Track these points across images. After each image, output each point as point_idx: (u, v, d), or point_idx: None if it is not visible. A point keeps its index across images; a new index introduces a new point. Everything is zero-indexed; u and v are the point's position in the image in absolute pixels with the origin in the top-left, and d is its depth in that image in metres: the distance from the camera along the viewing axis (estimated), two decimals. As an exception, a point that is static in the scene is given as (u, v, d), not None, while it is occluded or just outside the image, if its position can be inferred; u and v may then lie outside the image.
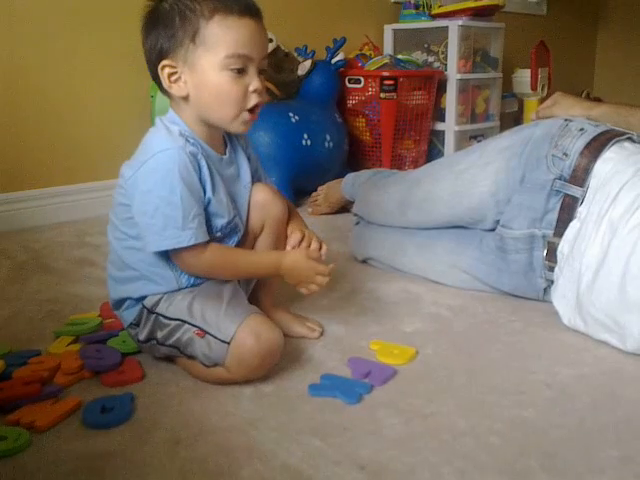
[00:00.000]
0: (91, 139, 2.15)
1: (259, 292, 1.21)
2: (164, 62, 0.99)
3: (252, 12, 1.00)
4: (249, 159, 1.15)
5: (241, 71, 0.99)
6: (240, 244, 1.12)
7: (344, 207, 2.05)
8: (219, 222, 1.06)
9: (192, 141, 1.02)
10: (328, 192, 2.08)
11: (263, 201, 1.15)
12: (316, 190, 2.15)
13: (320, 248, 1.12)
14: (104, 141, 2.16)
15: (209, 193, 1.02)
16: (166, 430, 0.89)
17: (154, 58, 1.01)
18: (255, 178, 1.16)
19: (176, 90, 1.01)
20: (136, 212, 1.00)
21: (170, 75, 1.00)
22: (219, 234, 1.06)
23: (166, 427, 0.89)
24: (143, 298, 1.05)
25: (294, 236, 1.14)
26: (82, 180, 2.13)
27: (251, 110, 1.03)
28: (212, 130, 1.05)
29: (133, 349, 1.10)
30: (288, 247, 1.13)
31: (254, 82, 1.00)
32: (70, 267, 1.62)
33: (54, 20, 2.02)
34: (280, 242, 1.18)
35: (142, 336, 1.05)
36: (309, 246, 1.12)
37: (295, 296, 1.28)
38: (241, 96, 1.00)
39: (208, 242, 1.01)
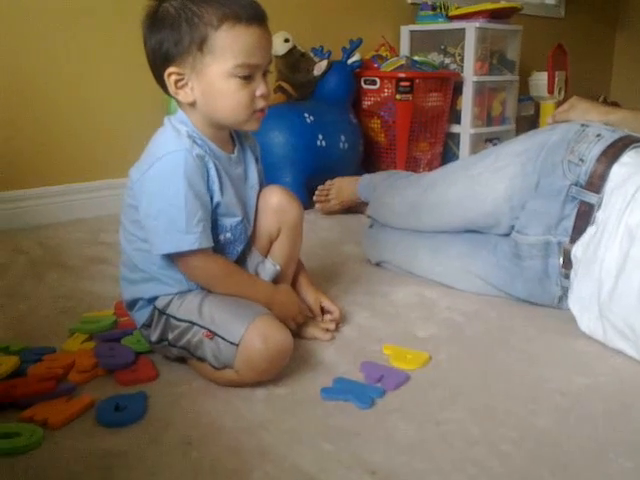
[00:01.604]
0: (106, 136, 2.16)
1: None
2: (171, 69, 0.99)
3: (259, 18, 1.00)
4: (257, 160, 1.16)
5: (248, 77, 1.00)
6: (249, 248, 1.13)
7: (354, 207, 2.04)
8: (229, 222, 1.06)
9: (200, 142, 1.02)
10: (340, 189, 2.06)
11: (279, 204, 1.15)
12: (325, 188, 2.12)
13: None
14: (119, 138, 2.17)
15: (217, 196, 1.03)
16: (178, 430, 0.89)
17: (159, 62, 1.01)
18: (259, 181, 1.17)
19: (183, 96, 1.01)
20: (142, 214, 1.01)
21: (177, 81, 1.00)
22: (229, 234, 1.07)
23: (178, 427, 0.90)
24: (155, 299, 1.05)
25: (334, 312, 1.22)
26: (98, 177, 2.15)
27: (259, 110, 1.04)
28: (220, 130, 1.06)
29: (147, 348, 1.10)
30: (328, 322, 1.21)
31: (260, 87, 1.01)
32: (85, 264, 1.63)
33: (62, 18, 2.03)
34: (296, 246, 1.19)
35: (154, 337, 1.06)
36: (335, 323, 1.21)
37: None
38: (249, 101, 1.01)
39: (213, 251, 1.03)
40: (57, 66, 2.04)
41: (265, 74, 1.03)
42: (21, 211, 1.98)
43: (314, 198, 2.10)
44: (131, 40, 2.11)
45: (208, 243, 1.00)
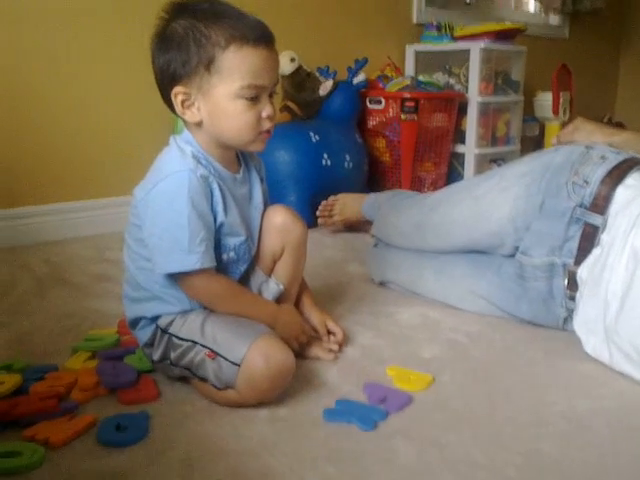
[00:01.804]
0: (113, 154, 2.17)
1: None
2: (178, 89, 1.00)
3: (266, 39, 1.00)
4: (262, 180, 1.17)
5: (254, 99, 1.00)
6: (252, 267, 1.13)
7: (357, 224, 2.04)
8: (232, 241, 1.06)
9: (204, 162, 1.02)
10: (345, 205, 2.06)
11: (283, 224, 1.16)
12: (329, 203, 2.11)
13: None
14: (125, 156, 2.18)
15: (221, 216, 1.03)
16: (180, 451, 0.88)
17: (166, 81, 1.01)
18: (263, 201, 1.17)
19: (189, 116, 1.02)
20: (146, 233, 1.01)
21: (184, 101, 1.01)
22: (232, 253, 1.07)
23: (180, 448, 0.89)
24: (157, 318, 1.05)
25: (338, 333, 1.22)
26: (104, 195, 2.15)
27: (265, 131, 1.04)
28: (226, 150, 1.06)
29: (149, 367, 1.10)
30: (331, 342, 1.21)
31: (267, 108, 1.02)
32: (90, 282, 1.63)
33: (68, 31, 2.05)
34: (299, 265, 1.19)
35: (156, 356, 1.05)
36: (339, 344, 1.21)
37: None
38: (255, 122, 1.01)
39: (216, 270, 1.02)
40: (63, 84, 2.05)
41: (271, 95, 1.03)
42: (27, 228, 1.99)
43: (317, 213, 2.09)
44: (140, 59, 2.14)
45: (211, 263, 1.00)
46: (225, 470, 0.85)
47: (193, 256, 0.97)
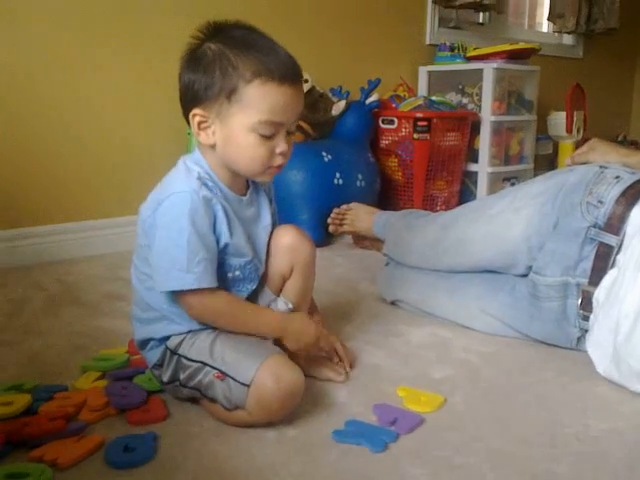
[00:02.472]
0: (125, 172, 2.18)
1: None
2: (196, 111, 1.00)
3: (293, 78, 0.99)
4: (270, 202, 1.16)
5: (269, 136, 1.00)
6: (261, 286, 1.13)
7: (366, 238, 2.01)
8: (237, 261, 1.06)
9: (211, 184, 1.02)
10: (357, 217, 2.03)
11: (292, 243, 1.15)
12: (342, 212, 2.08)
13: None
14: (139, 174, 2.18)
15: (226, 237, 1.03)
16: (187, 473, 0.88)
17: (188, 100, 1.02)
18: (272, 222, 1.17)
19: (204, 138, 1.02)
20: (152, 253, 1.01)
21: (200, 123, 1.01)
22: (238, 272, 1.07)
23: (187, 469, 0.88)
24: (166, 339, 1.05)
25: (343, 359, 1.19)
26: (117, 214, 2.16)
27: (276, 166, 1.04)
28: (235, 174, 1.06)
29: (159, 387, 1.10)
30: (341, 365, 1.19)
31: (281, 145, 1.01)
32: (101, 301, 1.64)
33: (79, 48, 2.07)
34: (308, 284, 1.19)
35: (165, 377, 1.05)
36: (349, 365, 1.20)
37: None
38: (267, 157, 1.01)
39: (217, 289, 1.01)
40: (74, 101, 2.07)
41: (290, 132, 1.03)
42: (40, 247, 2.00)
43: (328, 220, 2.06)
44: (160, 79, 2.17)
45: (209, 283, 0.99)
46: (233, 492, 0.84)
47: (191, 275, 0.97)
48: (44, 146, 2.02)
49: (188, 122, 1.04)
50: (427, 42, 3.10)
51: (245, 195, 1.10)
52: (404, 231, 1.64)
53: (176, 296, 1.01)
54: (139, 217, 1.05)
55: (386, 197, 2.62)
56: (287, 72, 0.98)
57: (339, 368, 1.18)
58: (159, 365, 1.06)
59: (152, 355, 1.07)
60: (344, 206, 2.04)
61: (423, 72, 3.02)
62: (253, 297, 1.12)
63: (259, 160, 1.01)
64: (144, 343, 1.08)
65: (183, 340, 1.03)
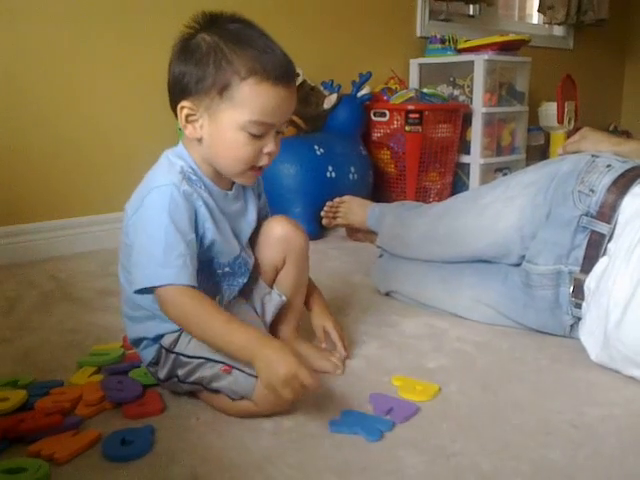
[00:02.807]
0: (116, 170, 2.17)
1: (279, 323, 1.20)
2: (185, 103, 0.97)
3: (288, 79, 0.97)
4: (259, 196, 1.15)
5: (258, 136, 0.98)
6: (255, 279, 1.12)
7: (359, 231, 2.02)
8: (225, 258, 1.05)
9: (194, 178, 1.00)
10: (350, 210, 2.03)
11: (283, 234, 1.14)
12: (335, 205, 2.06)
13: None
14: (129, 171, 2.16)
15: (212, 234, 1.01)
16: (184, 465, 0.88)
17: (176, 91, 0.99)
18: (261, 216, 1.16)
19: (190, 132, 0.99)
20: (132, 251, 0.98)
21: (188, 116, 0.98)
22: (227, 269, 1.06)
23: (184, 462, 0.88)
24: (160, 337, 1.04)
25: (332, 333, 1.19)
26: (108, 210, 2.15)
27: (258, 167, 1.02)
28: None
29: (154, 381, 1.09)
30: (336, 357, 1.17)
31: (269, 145, 0.99)
32: (95, 297, 1.63)
33: (70, 47, 2.07)
34: (302, 275, 1.18)
35: (162, 374, 1.04)
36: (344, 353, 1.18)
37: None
38: (252, 157, 0.99)
39: (196, 290, 0.94)
40: (69, 98, 2.07)
41: (280, 132, 1.01)
42: (32, 244, 2.00)
43: (322, 213, 2.06)
44: (149, 78, 2.16)
45: (188, 280, 0.93)
46: (230, 483, 0.84)
47: (167, 270, 0.93)
48: (33, 144, 2.01)
49: (175, 113, 1.01)
50: (418, 35, 3.10)
51: (231, 190, 1.07)
52: (397, 223, 1.64)
53: (155, 294, 0.96)
54: (125, 216, 1.03)
55: (379, 190, 2.63)
56: (283, 72, 0.96)
57: (337, 360, 1.17)
58: (154, 363, 1.05)
59: (147, 354, 1.06)
60: (337, 199, 2.04)
61: (414, 65, 3.02)
62: (247, 291, 1.12)
63: (244, 159, 0.99)
64: (137, 342, 1.07)
65: (179, 338, 1.02)
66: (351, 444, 0.92)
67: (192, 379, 1.01)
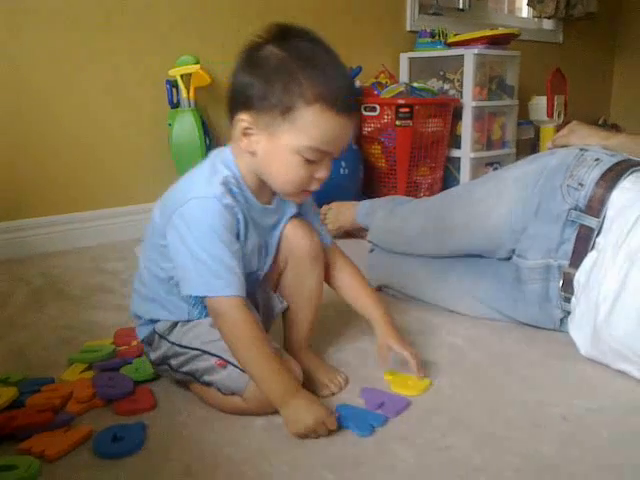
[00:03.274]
0: (107, 166, 2.17)
1: (288, 331, 1.16)
2: (244, 116, 0.95)
3: (351, 109, 0.94)
4: (299, 209, 1.11)
5: (313, 162, 0.95)
6: (264, 279, 1.11)
7: (351, 231, 2.03)
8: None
9: (236, 190, 0.98)
10: (339, 213, 2.05)
11: (288, 234, 1.09)
12: (322, 213, 2.06)
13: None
14: (119, 168, 2.18)
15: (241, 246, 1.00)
16: (177, 461, 0.88)
17: (237, 102, 0.96)
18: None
19: (245, 145, 0.97)
20: (173, 256, 0.97)
21: (245, 129, 0.95)
22: None
23: (177, 458, 0.89)
24: (155, 321, 1.05)
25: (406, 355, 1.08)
26: (99, 206, 2.15)
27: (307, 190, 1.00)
28: (263, 182, 1.01)
29: (146, 377, 1.10)
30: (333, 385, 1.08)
31: (322, 172, 0.97)
32: (86, 293, 1.63)
33: (73, 45, 2.06)
34: (305, 283, 1.12)
35: (153, 357, 1.06)
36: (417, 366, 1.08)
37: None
38: (304, 181, 0.97)
39: (249, 309, 0.95)
40: (67, 93, 2.06)
41: (333, 157, 0.98)
42: (23, 241, 1.99)
43: None
44: (144, 75, 2.16)
45: (237, 291, 0.94)
46: (223, 479, 0.84)
47: (219, 281, 0.93)
48: (24, 141, 2.00)
49: (230, 118, 0.98)
50: (408, 29, 3.09)
51: (271, 204, 1.05)
52: (388, 218, 1.64)
53: (206, 303, 0.97)
54: (153, 214, 1.02)
55: (370, 184, 2.63)
56: (348, 102, 0.93)
57: (341, 380, 1.10)
58: (148, 343, 1.07)
59: (140, 331, 1.08)
60: (324, 207, 2.05)
61: (404, 59, 3.02)
62: (251, 292, 1.11)
63: (295, 182, 0.97)
64: (137, 316, 1.09)
65: (174, 327, 1.04)
66: (344, 439, 0.93)
67: (185, 369, 1.02)
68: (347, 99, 0.94)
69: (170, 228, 0.97)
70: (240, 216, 0.98)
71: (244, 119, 0.95)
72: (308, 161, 0.95)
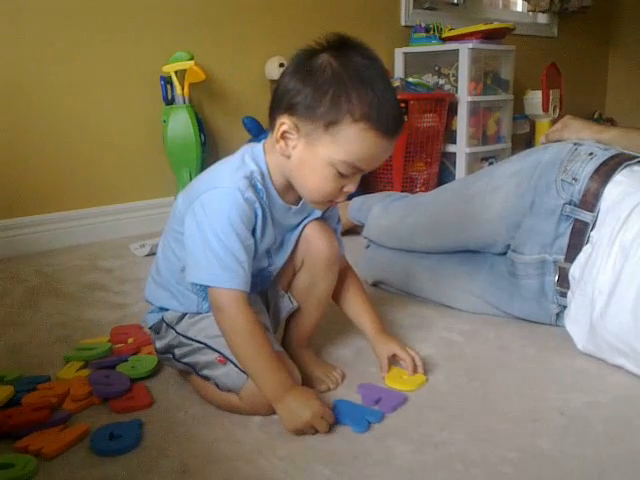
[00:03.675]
0: (103, 165, 2.17)
1: (290, 328, 1.16)
2: (286, 120, 0.93)
3: (395, 133, 0.94)
4: (323, 214, 1.10)
5: (345, 176, 0.95)
6: (278, 276, 1.11)
7: (346, 230, 2.02)
8: (255, 267, 1.01)
9: (260, 187, 0.97)
10: None
11: (307, 235, 1.09)
12: None
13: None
14: (115, 167, 2.18)
15: (256, 242, 0.99)
16: (173, 458, 0.88)
17: (282, 105, 0.94)
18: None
19: (282, 147, 0.96)
20: (186, 241, 0.98)
21: (285, 132, 0.94)
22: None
23: (174, 455, 0.89)
24: (164, 310, 1.07)
25: (404, 357, 1.10)
26: (95, 204, 2.15)
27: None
28: (290, 184, 1.01)
29: (142, 375, 1.10)
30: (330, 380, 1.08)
31: (351, 186, 0.97)
32: (82, 291, 1.63)
33: (68, 42, 2.06)
34: (318, 285, 1.12)
35: (159, 345, 1.08)
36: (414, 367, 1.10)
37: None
38: (333, 192, 0.97)
39: (250, 305, 0.95)
40: (59, 93, 2.05)
41: (363, 173, 0.98)
42: (18, 239, 1.98)
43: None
44: (138, 74, 2.15)
45: (241, 286, 0.94)
46: (220, 476, 0.84)
47: (226, 274, 0.93)
48: (21, 140, 2.00)
49: (271, 119, 0.97)
50: (402, 24, 3.09)
51: (296, 205, 1.04)
52: (384, 214, 1.65)
53: (209, 291, 0.97)
54: (176, 201, 1.03)
55: (365, 180, 2.57)
56: (393, 127, 0.93)
57: (338, 376, 1.11)
58: (155, 331, 1.08)
59: (150, 318, 1.10)
60: None
61: (399, 54, 3.02)
62: (262, 290, 1.11)
63: (324, 193, 0.96)
64: (148, 302, 1.11)
65: (182, 318, 1.05)
66: (340, 435, 0.93)
67: (186, 360, 1.03)
68: (393, 123, 0.93)
69: (189, 214, 0.97)
70: (259, 212, 0.98)
71: (285, 122, 0.94)
72: (341, 174, 0.94)
